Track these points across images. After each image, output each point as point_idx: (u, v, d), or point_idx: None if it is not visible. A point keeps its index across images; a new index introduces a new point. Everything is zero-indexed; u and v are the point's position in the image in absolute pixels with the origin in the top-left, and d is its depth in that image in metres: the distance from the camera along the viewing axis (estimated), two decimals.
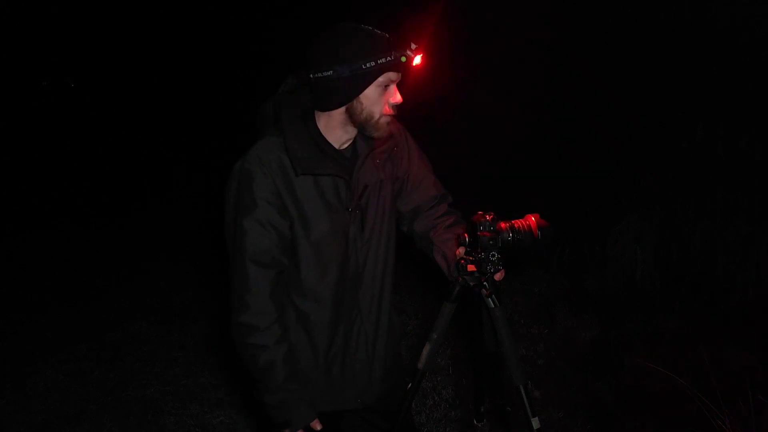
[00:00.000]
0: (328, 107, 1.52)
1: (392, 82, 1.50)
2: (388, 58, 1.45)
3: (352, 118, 1.52)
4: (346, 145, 1.61)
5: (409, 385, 1.74)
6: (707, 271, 4.03)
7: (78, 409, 3.25)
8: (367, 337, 1.71)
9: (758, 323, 3.49)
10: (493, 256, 1.56)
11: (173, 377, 3.54)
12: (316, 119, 1.57)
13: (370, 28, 1.48)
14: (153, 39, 11.84)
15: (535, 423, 1.62)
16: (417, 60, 1.48)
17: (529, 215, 1.61)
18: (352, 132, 1.59)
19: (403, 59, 1.46)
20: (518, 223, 1.58)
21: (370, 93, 1.49)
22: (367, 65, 1.44)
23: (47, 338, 4.07)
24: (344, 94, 1.48)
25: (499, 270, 1.58)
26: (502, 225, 1.57)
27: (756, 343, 3.27)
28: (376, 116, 1.52)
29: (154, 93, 11.98)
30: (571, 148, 5.29)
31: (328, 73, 1.45)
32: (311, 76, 1.49)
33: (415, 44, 1.47)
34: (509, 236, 1.56)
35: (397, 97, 1.52)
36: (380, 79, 1.47)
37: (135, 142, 10.48)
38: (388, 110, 1.53)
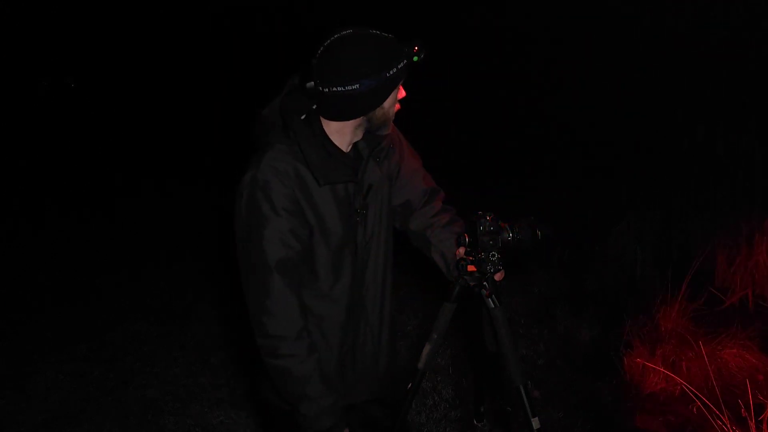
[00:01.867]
0: (350, 117, 1.52)
1: (402, 80, 1.53)
2: (404, 62, 1.47)
3: (371, 122, 1.54)
4: (350, 147, 1.61)
5: (409, 385, 1.74)
6: (707, 271, 4.03)
7: (78, 409, 3.25)
8: (373, 331, 1.72)
9: (758, 323, 3.49)
10: (493, 256, 1.56)
11: (173, 377, 3.54)
12: (323, 124, 1.55)
13: (377, 32, 1.47)
14: (153, 39, 11.84)
15: (535, 423, 1.62)
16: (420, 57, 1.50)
17: (530, 215, 1.61)
18: (360, 134, 1.59)
19: (416, 59, 1.47)
20: (518, 223, 1.59)
21: (390, 97, 1.51)
22: (390, 73, 1.45)
23: (47, 338, 4.06)
24: (369, 104, 1.49)
25: (499, 270, 1.58)
26: (502, 225, 1.57)
27: (756, 343, 3.27)
28: (391, 115, 1.55)
29: (153, 93, 11.98)
30: (572, 148, 5.30)
31: (354, 86, 1.43)
32: (324, 89, 1.45)
33: (418, 43, 1.48)
34: (509, 236, 1.56)
35: (403, 93, 1.55)
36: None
37: (135, 142, 10.48)
38: (398, 107, 1.56)
